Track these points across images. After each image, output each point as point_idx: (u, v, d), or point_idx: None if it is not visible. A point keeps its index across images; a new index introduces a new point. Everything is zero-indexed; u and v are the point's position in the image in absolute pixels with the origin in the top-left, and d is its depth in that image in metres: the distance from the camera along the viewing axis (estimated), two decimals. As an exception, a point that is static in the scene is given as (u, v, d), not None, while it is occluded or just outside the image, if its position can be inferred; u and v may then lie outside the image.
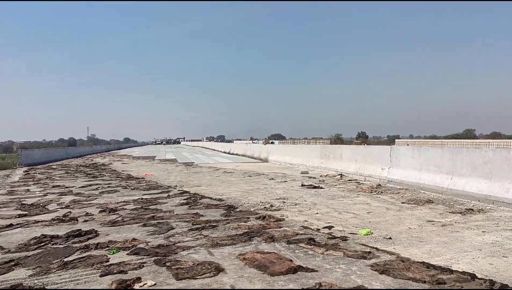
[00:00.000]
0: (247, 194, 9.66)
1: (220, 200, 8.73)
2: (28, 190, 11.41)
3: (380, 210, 7.20)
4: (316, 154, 16.56)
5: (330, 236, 5.33)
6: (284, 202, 8.23)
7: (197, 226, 6.09)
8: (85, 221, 6.74)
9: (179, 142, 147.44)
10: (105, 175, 15.79)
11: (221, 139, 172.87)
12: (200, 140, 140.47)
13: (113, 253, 4.80)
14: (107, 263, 4.37)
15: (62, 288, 3.65)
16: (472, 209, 6.94)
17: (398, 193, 9.25)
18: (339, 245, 4.90)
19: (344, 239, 5.20)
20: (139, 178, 14.20)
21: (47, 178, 15.15)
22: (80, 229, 5.90)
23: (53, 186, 12.13)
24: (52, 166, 22.72)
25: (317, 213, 6.99)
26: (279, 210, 7.38)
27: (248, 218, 6.63)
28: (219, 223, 6.23)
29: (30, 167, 22.75)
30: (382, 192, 9.33)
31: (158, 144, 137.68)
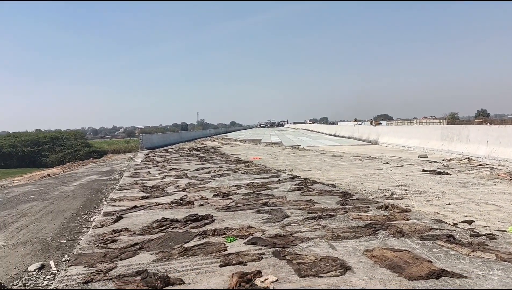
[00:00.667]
0: (361, 179, 9.00)
1: (333, 186, 8.25)
2: (149, 172, 12.21)
3: (529, 202, 6.03)
4: (436, 136, 14.98)
5: (472, 233, 4.53)
6: (406, 190, 7.43)
7: (313, 214, 5.71)
8: (201, 205, 6.82)
9: (282, 125, 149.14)
10: (216, 159, 16.31)
11: (324, 121, 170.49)
12: (303, 123, 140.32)
13: (230, 241, 4.66)
14: (226, 252, 4.23)
15: (184, 278, 3.57)
16: None
17: (549, 181, 7.77)
18: (487, 245, 4.11)
19: (491, 237, 4.36)
20: (247, 162, 14.35)
21: (165, 161, 16.16)
22: (197, 214, 5.93)
23: (170, 169, 12.82)
24: (168, 149, 24.39)
25: (449, 204, 6.11)
26: (401, 199, 6.65)
27: (368, 207, 6.05)
28: (336, 212, 5.77)
29: (150, 150, 24.73)
30: (526, 180, 7.94)
31: (262, 127, 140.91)
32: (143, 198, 7.78)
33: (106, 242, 4.84)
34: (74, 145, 42.44)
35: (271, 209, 6.24)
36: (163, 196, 7.95)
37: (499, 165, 10.39)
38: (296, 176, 9.89)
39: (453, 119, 76.69)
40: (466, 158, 11.79)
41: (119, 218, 6.12)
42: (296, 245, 4.35)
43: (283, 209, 6.17)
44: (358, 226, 5.00)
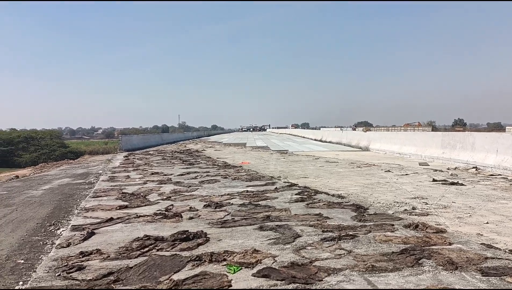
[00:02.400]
0: (369, 190, 8.05)
1: (340, 197, 7.26)
2: (128, 176, 11.01)
3: None
4: (436, 143, 14.22)
5: (543, 265, 3.58)
6: (426, 203, 6.50)
7: (330, 234, 4.70)
8: (190, 218, 5.73)
9: (264, 129, 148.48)
10: (201, 162, 15.17)
11: (306, 126, 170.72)
12: (285, 127, 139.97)
13: (234, 271, 3.60)
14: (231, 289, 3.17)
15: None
16: None
17: None
18: None
19: None
20: (236, 167, 13.26)
21: (146, 164, 14.93)
22: (187, 231, 4.85)
23: (152, 173, 11.63)
24: (149, 152, 23.07)
25: (487, 223, 5.18)
26: (426, 215, 5.70)
27: (393, 225, 5.07)
28: (357, 231, 4.78)
29: (130, 152, 23.35)
30: (556, 194, 7.12)
31: (245, 131, 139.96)
32: (121, 207, 6.62)
33: (71, 270, 3.71)
34: (49, 145, 40.64)
35: (276, 225, 5.19)
36: (145, 205, 6.82)
37: (513, 176, 9.62)
38: (294, 184, 8.88)
39: (432, 127, 77.24)
40: (473, 167, 11.01)
41: (91, 234, 4.97)
42: (322, 280, 3.33)
43: (291, 226, 5.13)
44: (392, 252, 4.00)
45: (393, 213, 5.84)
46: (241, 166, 13.36)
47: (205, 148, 27.21)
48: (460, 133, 13.51)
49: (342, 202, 6.71)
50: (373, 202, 6.69)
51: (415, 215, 5.68)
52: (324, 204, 6.57)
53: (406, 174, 10.38)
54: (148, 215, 5.90)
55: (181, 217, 5.81)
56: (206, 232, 4.83)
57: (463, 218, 5.48)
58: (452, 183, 8.48)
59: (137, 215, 5.93)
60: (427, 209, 6.08)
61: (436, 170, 11.18)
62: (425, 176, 10.00)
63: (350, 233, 4.71)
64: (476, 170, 10.69)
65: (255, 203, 6.80)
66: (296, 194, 7.55)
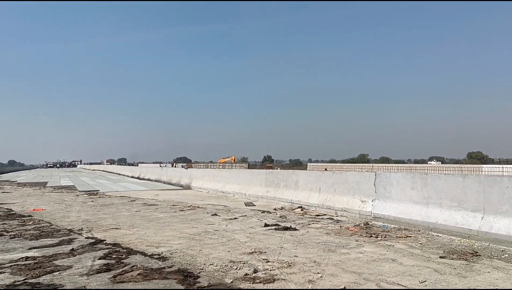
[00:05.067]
0: (196, 243, 6.53)
1: (161, 258, 5.51)
2: None
3: (432, 276, 4.65)
4: (260, 181, 13.86)
5: None
6: (267, 261, 5.31)
7: None
8: None
9: (75, 165, 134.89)
10: (-28, 211, 11.19)
11: (123, 162, 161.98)
12: (99, 163, 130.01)
13: None
14: None
15: None
16: None
17: (407, 237, 6.90)
18: None
19: None
20: (24, 216, 10.06)
21: None
22: None
23: None
24: None
25: (344, 289, 4.20)
26: (273, 280, 4.45)
27: (237, 306, 3.61)
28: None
29: None
30: (385, 237, 6.90)
31: (50, 167, 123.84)
32: None
33: None
34: None
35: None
36: None
37: (337, 215, 9.54)
38: (101, 240, 6.72)
39: (248, 164, 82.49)
40: (298, 207, 10.75)
41: None
42: None
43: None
44: None
45: (232, 281, 4.41)
46: (30, 215, 10.21)
47: (-11, 189, 21.56)
48: (284, 171, 13.50)
49: (164, 268, 4.98)
50: (205, 264, 5.16)
51: (259, 281, 4.38)
52: (138, 274, 4.71)
53: (235, 218, 9.31)
54: None
55: None
56: None
57: (314, 281, 4.41)
58: (286, 228, 7.69)
59: None
60: (270, 269, 4.87)
61: (263, 211, 10.50)
62: (255, 219, 9.10)
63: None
64: (301, 210, 10.42)
65: (33, 281, 4.46)
66: (100, 258, 5.46)
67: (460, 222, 6.66)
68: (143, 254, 5.78)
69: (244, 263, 5.17)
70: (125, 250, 6.02)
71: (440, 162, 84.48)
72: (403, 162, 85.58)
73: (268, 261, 5.28)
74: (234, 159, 62.12)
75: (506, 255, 5.51)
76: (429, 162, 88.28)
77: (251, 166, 74.04)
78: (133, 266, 5.13)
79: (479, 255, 5.52)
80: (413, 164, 63.65)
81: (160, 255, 5.70)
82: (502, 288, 4.18)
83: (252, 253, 5.78)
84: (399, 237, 6.89)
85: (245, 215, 9.80)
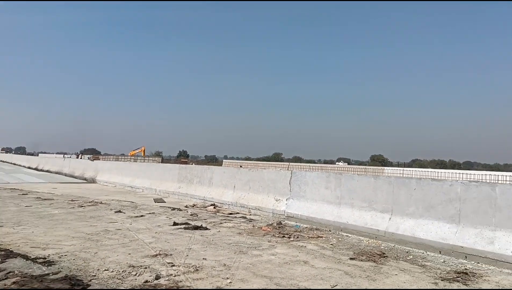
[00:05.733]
0: (93, 245, 5.76)
1: (46, 262, 4.71)
2: None
3: (343, 279, 4.51)
4: (172, 176, 13.12)
5: None
6: (173, 265, 4.79)
7: None
8: None
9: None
10: None
11: (22, 151, 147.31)
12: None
13: None
14: None
15: None
16: (468, 273, 4.83)
17: (319, 237, 6.82)
18: None
19: None
20: None
21: None
22: None
23: None
24: None
25: (255, 295, 3.86)
26: (176, 289, 3.96)
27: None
28: None
29: None
30: (297, 237, 6.74)
31: None
32: None
33: None
34: None
35: None
36: None
37: (250, 214, 9.26)
38: (-28, 241, 5.63)
39: (161, 158, 79.73)
40: (211, 205, 10.29)
41: None
42: None
43: None
44: None
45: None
46: None
47: None
48: (199, 166, 12.91)
49: (48, 275, 4.23)
50: (98, 270, 4.48)
51: (162, 290, 3.86)
52: (14, 283, 3.92)
53: (142, 216, 8.58)
54: None
55: None
56: None
57: (223, 288, 4.01)
58: (196, 228, 7.20)
59: None
60: (175, 275, 4.36)
61: (174, 209, 9.87)
62: (164, 217, 8.47)
63: None
64: (214, 207, 9.99)
65: None
66: (-34, 264, 4.49)
67: (369, 223, 6.75)
68: (25, 257, 4.91)
69: (146, 268, 4.60)
70: (3, 253, 5.08)
71: (346, 163, 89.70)
72: (314, 162, 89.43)
73: (174, 265, 4.77)
74: (144, 151, 59.31)
75: (411, 257, 5.64)
76: (337, 163, 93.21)
77: (165, 160, 71.60)
78: (9, 272, 4.29)
79: (386, 256, 5.58)
80: (323, 164, 66.62)
81: (45, 258, 4.88)
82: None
83: (156, 255, 5.22)
84: (311, 237, 6.79)
85: (153, 213, 9.10)
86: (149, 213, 8.98)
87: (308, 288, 4.12)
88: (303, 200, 8.30)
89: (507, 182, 24.46)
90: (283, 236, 6.72)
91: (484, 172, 34.71)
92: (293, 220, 8.18)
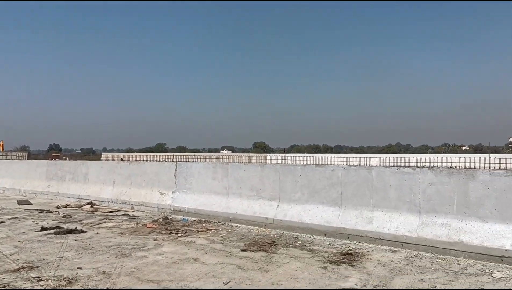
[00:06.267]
0: None
1: None
2: None
3: (236, 274, 4.37)
4: (40, 174, 11.59)
5: None
6: (40, 279, 4.12)
7: None
8: None
9: None
10: None
11: None
12: None
13: None
14: None
15: None
16: (352, 253, 5.07)
17: (208, 230, 6.61)
18: None
19: None
20: None
21: None
22: None
23: None
24: None
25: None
26: (44, 306, 3.38)
27: None
28: None
29: None
30: (186, 232, 6.44)
31: None
32: None
33: None
34: None
35: None
36: None
37: (133, 211, 8.62)
38: None
39: (28, 153, 71.23)
40: (88, 203, 9.34)
41: None
42: None
43: None
44: None
45: (-20, 319, 3.13)
46: None
47: None
48: (72, 162, 11.64)
49: None
50: None
51: (25, 313, 3.24)
52: None
53: (1, 222, 7.37)
54: None
55: None
56: None
57: (104, 300, 3.55)
58: (69, 231, 6.41)
59: None
60: (43, 288, 3.73)
61: (42, 211, 8.71)
62: (30, 222, 7.40)
63: None
64: (91, 206, 9.08)
65: None
66: None
67: (258, 211, 6.78)
68: None
69: (5, 287, 3.86)
70: None
71: (231, 151, 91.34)
72: (199, 151, 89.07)
73: (41, 280, 4.10)
74: (3, 145, 51.62)
75: (300, 242, 5.79)
76: (221, 151, 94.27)
77: (34, 155, 64.03)
78: None
79: (277, 244, 5.64)
80: (208, 153, 66.79)
81: None
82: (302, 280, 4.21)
83: (19, 269, 4.44)
84: (200, 231, 6.56)
85: (16, 217, 7.91)
86: (11, 218, 7.77)
87: (200, 288, 3.89)
88: (190, 192, 8.00)
89: (381, 165, 27.36)
90: (171, 232, 6.36)
91: (357, 155, 38.48)
92: (181, 214, 7.85)
